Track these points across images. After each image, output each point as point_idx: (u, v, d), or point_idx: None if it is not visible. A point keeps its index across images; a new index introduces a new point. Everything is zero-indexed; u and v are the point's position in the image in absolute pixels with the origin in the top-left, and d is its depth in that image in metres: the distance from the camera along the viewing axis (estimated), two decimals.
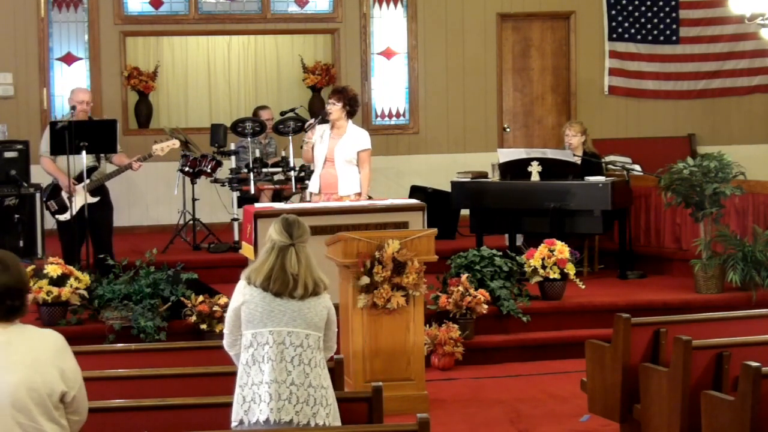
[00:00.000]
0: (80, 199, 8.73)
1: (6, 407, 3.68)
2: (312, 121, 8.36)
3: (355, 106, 8.41)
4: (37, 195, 9.95)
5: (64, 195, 8.82)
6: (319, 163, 8.34)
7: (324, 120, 8.38)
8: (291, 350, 4.40)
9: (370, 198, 8.53)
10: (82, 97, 9.05)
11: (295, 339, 4.42)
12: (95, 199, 8.80)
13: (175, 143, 9.33)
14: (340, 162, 8.27)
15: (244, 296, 4.47)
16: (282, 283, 4.42)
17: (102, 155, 8.96)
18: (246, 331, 4.46)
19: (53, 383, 3.76)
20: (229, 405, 4.50)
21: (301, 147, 8.57)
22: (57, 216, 8.88)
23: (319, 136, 8.38)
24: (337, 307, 4.86)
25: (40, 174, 9.49)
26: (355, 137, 8.36)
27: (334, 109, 8.25)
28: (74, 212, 8.72)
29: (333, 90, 8.55)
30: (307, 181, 9.99)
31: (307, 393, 4.39)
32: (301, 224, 4.52)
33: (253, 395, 4.38)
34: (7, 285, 3.75)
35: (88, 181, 8.70)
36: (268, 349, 4.39)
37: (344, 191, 8.28)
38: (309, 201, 8.65)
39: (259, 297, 4.44)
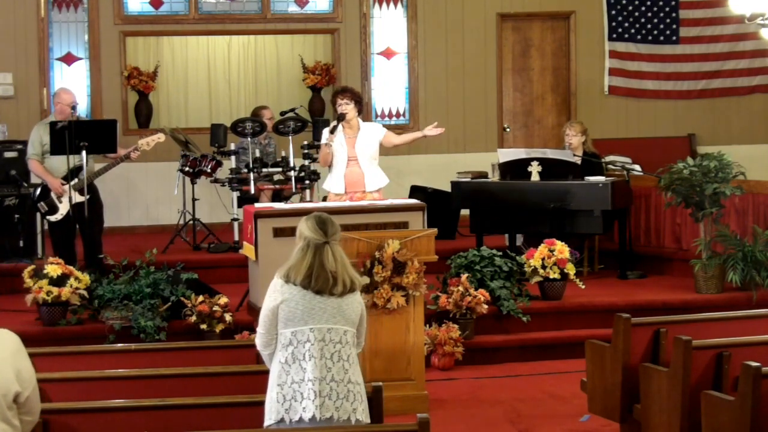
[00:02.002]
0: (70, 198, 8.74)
1: None
2: (336, 123, 8.30)
3: (362, 102, 8.56)
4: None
5: (54, 196, 8.82)
6: (342, 163, 8.32)
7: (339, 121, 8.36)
8: (331, 347, 4.43)
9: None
10: (67, 99, 9.00)
11: (334, 336, 4.44)
12: (86, 198, 8.78)
13: (161, 137, 9.30)
14: (365, 159, 8.33)
15: (282, 295, 4.45)
16: (323, 281, 4.42)
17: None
18: (284, 330, 4.45)
19: (9, 383, 3.74)
20: (230, 405, 4.51)
21: (305, 148, 8.54)
22: (48, 217, 8.87)
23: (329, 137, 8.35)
24: None
25: None
26: (372, 131, 8.43)
27: (349, 108, 8.30)
28: (65, 212, 8.73)
29: (340, 90, 8.49)
30: (307, 181, 10.00)
31: (346, 389, 4.43)
32: (333, 222, 4.54)
33: (294, 393, 4.39)
34: None
35: (76, 180, 8.69)
36: (309, 347, 4.40)
37: (371, 187, 8.33)
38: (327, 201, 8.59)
39: (299, 295, 4.43)
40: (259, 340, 4.55)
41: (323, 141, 8.35)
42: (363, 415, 4.45)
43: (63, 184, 8.75)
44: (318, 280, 4.42)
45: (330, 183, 8.44)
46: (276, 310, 4.46)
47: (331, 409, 4.38)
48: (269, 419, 4.41)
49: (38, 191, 8.94)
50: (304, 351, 4.41)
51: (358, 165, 8.34)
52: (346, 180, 8.34)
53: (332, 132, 8.25)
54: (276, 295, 4.48)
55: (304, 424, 4.35)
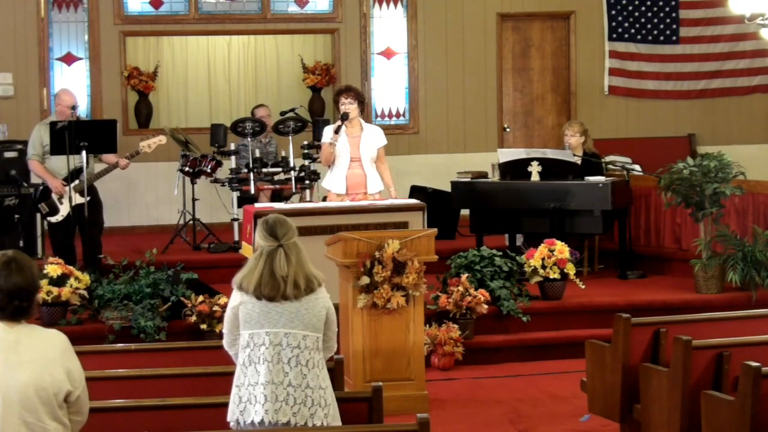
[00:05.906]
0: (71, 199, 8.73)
1: (15, 405, 3.72)
2: (340, 123, 8.23)
3: (365, 102, 8.49)
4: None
5: (55, 197, 8.81)
6: (344, 163, 8.26)
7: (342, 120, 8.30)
8: (288, 351, 4.38)
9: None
10: (67, 100, 8.97)
11: (292, 340, 4.39)
12: (86, 199, 8.78)
13: (162, 139, 9.31)
14: (367, 161, 8.28)
15: (241, 297, 4.45)
16: (272, 288, 4.37)
17: (90, 155, 8.94)
18: (243, 331, 4.44)
19: (61, 383, 3.80)
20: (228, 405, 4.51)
21: (305, 148, 8.47)
22: (49, 218, 8.87)
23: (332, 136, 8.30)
24: (336, 307, 4.82)
25: None
26: (374, 134, 8.36)
27: (352, 108, 8.24)
28: (66, 213, 8.73)
29: (343, 89, 8.42)
30: (307, 181, 10.00)
31: (304, 394, 4.37)
32: (284, 222, 4.47)
33: (249, 396, 4.38)
34: (18, 285, 3.79)
35: (77, 181, 8.69)
36: (264, 350, 4.38)
37: (372, 189, 8.31)
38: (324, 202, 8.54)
39: (254, 300, 4.42)
40: (224, 339, 4.58)
41: (327, 140, 8.26)
42: (323, 419, 4.37)
43: (63, 185, 8.75)
44: (266, 288, 4.37)
45: (330, 182, 8.37)
46: (236, 311, 4.46)
47: (288, 413, 4.33)
48: (229, 419, 4.42)
49: (39, 192, 8.94)
50: (260, 354, 4.38)
51: (361, 166, 8.28)
52: (348, 181, 8.29)
53: (336, 132, 8.18)
54: (236, 296, 4.48)
55: (254, 427, 4.33)
